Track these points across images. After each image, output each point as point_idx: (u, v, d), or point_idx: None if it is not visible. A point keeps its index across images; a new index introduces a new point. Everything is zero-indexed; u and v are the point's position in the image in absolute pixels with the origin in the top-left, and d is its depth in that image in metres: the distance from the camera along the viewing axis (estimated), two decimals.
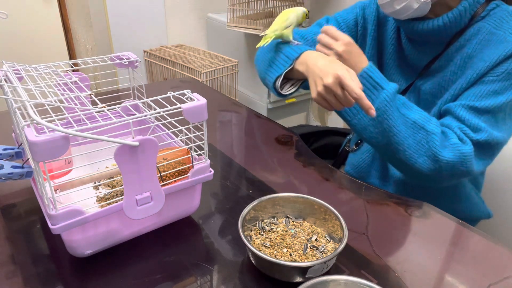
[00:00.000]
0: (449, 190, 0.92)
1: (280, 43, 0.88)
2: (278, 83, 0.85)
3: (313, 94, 0.75)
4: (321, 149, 1.23)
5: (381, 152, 0.85)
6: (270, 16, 2.21)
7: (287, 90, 0.88)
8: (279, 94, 0.88)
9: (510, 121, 0.79)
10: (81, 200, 0.56)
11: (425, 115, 0.79)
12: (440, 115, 0.84)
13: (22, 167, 0.65)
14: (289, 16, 0.86)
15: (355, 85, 0.69)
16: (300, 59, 0.81)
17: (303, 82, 0.88)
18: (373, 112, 0.69)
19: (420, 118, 0.78)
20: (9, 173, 0.63)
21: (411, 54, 0.89)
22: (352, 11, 0.96)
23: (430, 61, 0.86)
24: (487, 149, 0.78)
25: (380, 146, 0.82)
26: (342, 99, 0.72)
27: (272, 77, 0.86)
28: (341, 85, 0.71)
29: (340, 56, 0.79)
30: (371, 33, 0.94)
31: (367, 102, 0.69)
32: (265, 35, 0.86)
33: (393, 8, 0.80)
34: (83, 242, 0.57)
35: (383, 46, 0.94)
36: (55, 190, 0.63)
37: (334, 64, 0.73)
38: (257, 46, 0.89)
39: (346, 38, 0.80)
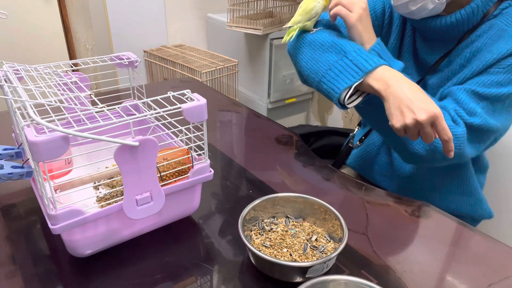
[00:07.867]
0: (456, 184, 0.92)
1: (337, 37, 0.80)
2: (345, 95, 0.74)
3: (397, 123, 0.69)
4: (321, 149, 1.23)
5: (383, 133, 0.87)
6: (270, 16, 2.20)
7: (350, 100, 0.76)
8: (342, 106, 0.77)
9: (507, 113, 0.80)
10: (81, 200, 0.57)
11: None
12: (440, 100, 0.84)
13: (22, 167, 0.65)
14: (315, 6, 0.81)
15: (447, 126, 0.68)
16: (375, 74, 0.72)
17: (367, 95, 0.78)
18: (452, 154, 0.70)
19: None
20: (9, 173, 0.63)
21: (423, 50, 0.90)
22: None
23: (440, 58, 0.86)
24: (479, 134, 0.79)
25: (381, 128, 0.84)
26: (428, 135, 0.68)
27: (338, 87, 0.74)
28: (432, 123, 0.67)
29: (361, 14, 0.77)
30: (398, 24, 0.92)
31: (451, 144, 0.68)
32: (289, 27, 0.82)
33: (408, 9, 0.80)
34: (83, 242, 0.57)
35: (404, 38, 0.94)
36: (55, 190, 0.63)
37: (426, 99, 0.68)
38: (282, 41, 0.85)
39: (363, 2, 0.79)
